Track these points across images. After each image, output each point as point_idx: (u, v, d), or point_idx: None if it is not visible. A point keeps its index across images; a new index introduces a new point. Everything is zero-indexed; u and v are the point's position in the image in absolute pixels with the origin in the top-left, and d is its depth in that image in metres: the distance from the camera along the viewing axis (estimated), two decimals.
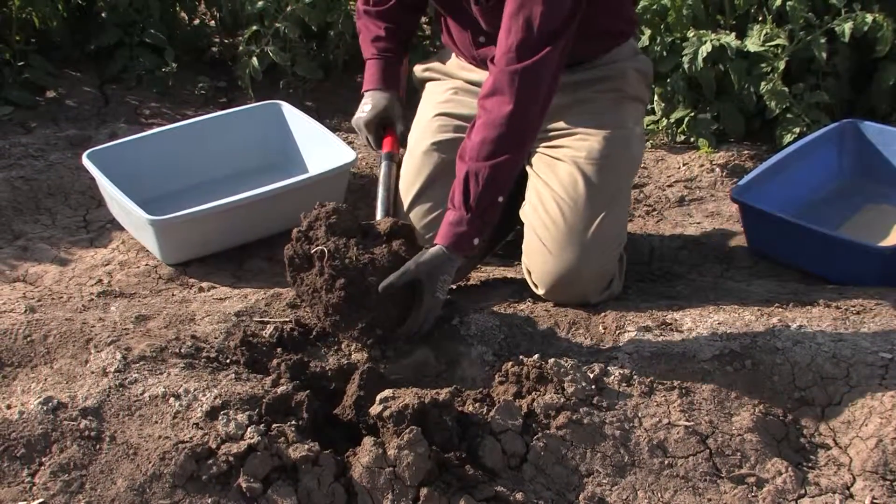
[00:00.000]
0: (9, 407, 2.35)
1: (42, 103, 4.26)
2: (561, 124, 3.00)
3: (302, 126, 3.64)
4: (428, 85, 3.29)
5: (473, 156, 2.66)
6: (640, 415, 2.45)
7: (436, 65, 3.29)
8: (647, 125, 4.09)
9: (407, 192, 3.07)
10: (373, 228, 2.72)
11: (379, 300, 2.60)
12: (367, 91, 3.26)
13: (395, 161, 3.15)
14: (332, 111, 4.37)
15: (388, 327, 2.65)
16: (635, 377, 2.54)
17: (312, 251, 2.62)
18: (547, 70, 2.67)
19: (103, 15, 4.50)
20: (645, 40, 4.05)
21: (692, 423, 2.44)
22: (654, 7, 4.05)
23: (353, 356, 2.63)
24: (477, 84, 3.09)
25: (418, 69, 3.36)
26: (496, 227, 2.85)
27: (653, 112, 4.15)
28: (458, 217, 2.67)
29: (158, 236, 3.11)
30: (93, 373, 2.45)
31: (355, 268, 2.59)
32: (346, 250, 2.60)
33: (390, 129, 3.25)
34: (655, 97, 4.11)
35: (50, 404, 2.32)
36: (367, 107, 3.22)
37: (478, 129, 2.68)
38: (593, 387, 2.50)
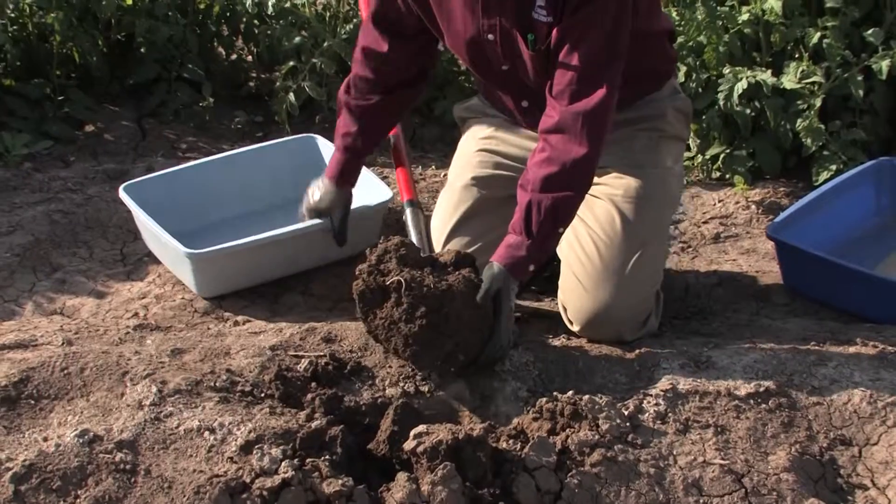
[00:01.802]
0: (45, 439, 2.36)
1: (81, 137, 4.29)
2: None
3: None
4: (471, 122, 3.27)
5: (536, 188, 2.66)
6: (674, 452, 2.44)
7: (476, 105, 3.27)
8: (683, 162, 4.08)
9: (444, 226, 3.07)
10: (437, 261, 2.71)
11: (457, 327, 2.59)
12: (326, 178, 3.18)
13: (417, 206, 3.15)
14: None
15: (469, 353, 2.65)
16: (670, 414, 2.53)
17: (388, 283, 2.60)
18: (609, 110, 2.68)
19: (142, 50, 4.54)
20: (681, 77, 4.04)
21: (728, 461, 2.42)
22: (690, 44, 4.06)
23: (387, 391, 2.63)
24: (518, 122, 3.09)
25: (458, 109, 3.34)
26: None
27: (688, 148, 4.14)
28: (517, 241, 2.67)
29: (195, 270, 3.13)
30: (128, 406, 2.47)
31: (434, 296, 2.57)
32: (422, 279, 2.59)
33: (403, 169, 3.31)
34: (691, 134, 4.10)
35: (86, 437, 2.33)
36: (316, 195, 3.17)
37: (541, 164, 2.67)
38: (628, 424, 2.49)
